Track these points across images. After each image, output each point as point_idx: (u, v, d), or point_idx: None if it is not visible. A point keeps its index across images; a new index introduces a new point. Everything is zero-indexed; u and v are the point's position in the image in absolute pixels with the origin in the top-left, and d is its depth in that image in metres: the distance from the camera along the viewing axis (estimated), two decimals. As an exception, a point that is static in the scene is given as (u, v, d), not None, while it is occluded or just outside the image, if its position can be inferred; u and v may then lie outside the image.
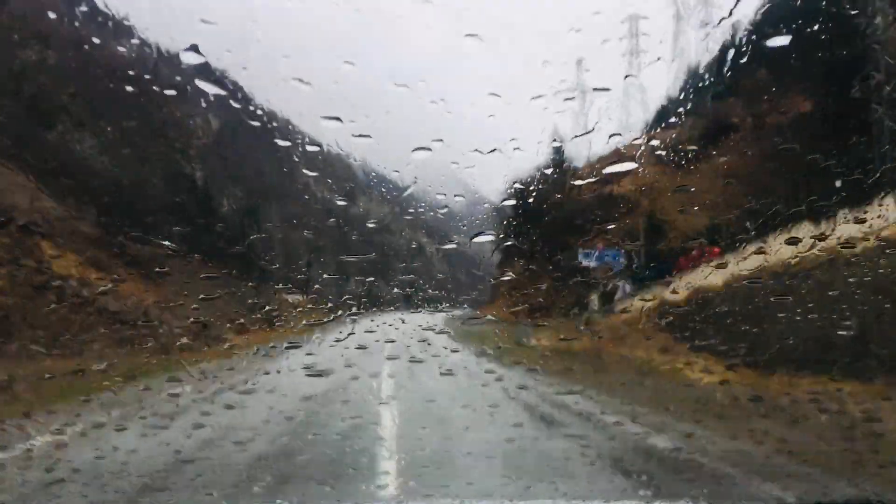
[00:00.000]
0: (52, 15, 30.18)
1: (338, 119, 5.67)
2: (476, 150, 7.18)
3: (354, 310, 16.15)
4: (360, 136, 5.92)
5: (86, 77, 28.22)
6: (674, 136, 29.50)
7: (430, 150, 5.63)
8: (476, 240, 8.34)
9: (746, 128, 30.20)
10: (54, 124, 30.67)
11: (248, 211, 38.89)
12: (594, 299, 29.62)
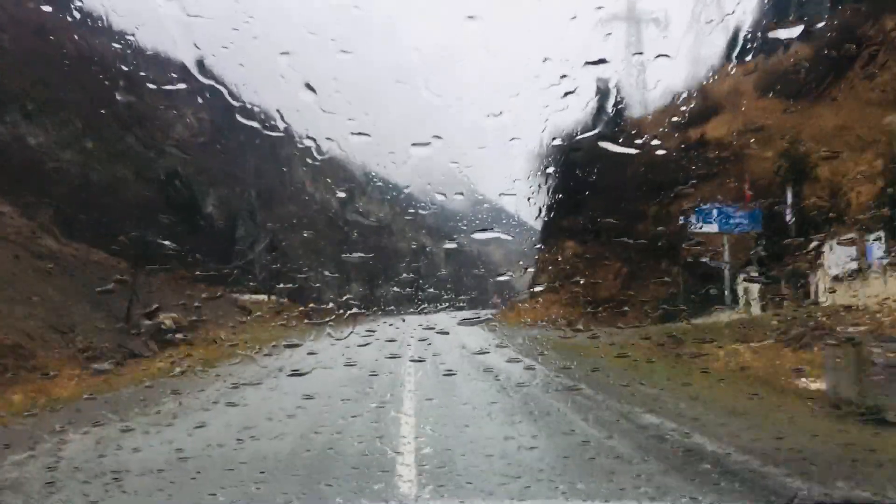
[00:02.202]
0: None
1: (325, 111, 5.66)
2: (479, 147, 7.17)
3: (349, 310, 15.05)
4: (359, 133, 5.92)
5: (49, 66, 26.67)
6: (774, 63, 21.78)
7: (429, 144, 5.62)
8: (476, 236, 8.27)
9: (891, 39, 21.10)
10: (3, 115, 27.98)
11: (236, 213, 37.20)
12: (751, 288, 19.27)
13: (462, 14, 6.07)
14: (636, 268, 19.48)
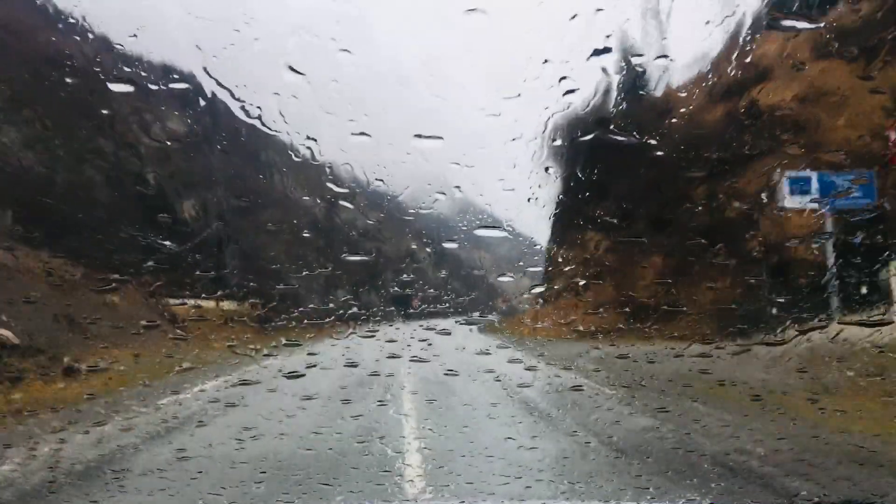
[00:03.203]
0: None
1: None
2: (480, 147, 7.19)
3: (348, 311, 13.78)
4: (360, 133, 5.95)
5: (11, 63, 25.90)
6: (835, 19, 19.52)
7: (431, 138, 5.63)
8: (479, 233, 8.17)
9: None
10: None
11: (214, 215, 35.56)
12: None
13: (462, 8, 6.04)
14: (683, 262, 14.74)
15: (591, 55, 6.00)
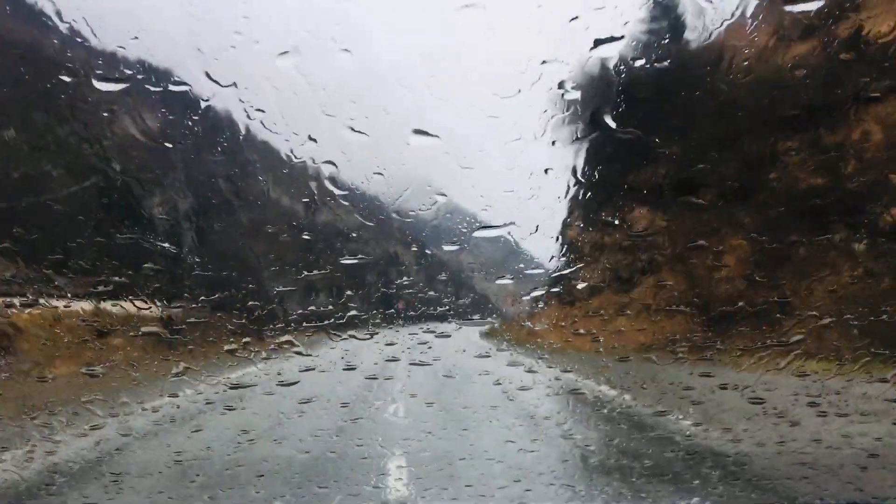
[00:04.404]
0: None
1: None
2: (479, 149, 7.15)
3: (347, 313, 13.60)
4: (359, 132, 5.93)
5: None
6: None
7: (430, 135, 5.58)
8: (479, 234, 8.05)
9: None
10: None
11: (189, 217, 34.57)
12: None
13: (459, 4, 5.94)
14: (778, 245, 10.54)
15: (595, 45, 5.86)
